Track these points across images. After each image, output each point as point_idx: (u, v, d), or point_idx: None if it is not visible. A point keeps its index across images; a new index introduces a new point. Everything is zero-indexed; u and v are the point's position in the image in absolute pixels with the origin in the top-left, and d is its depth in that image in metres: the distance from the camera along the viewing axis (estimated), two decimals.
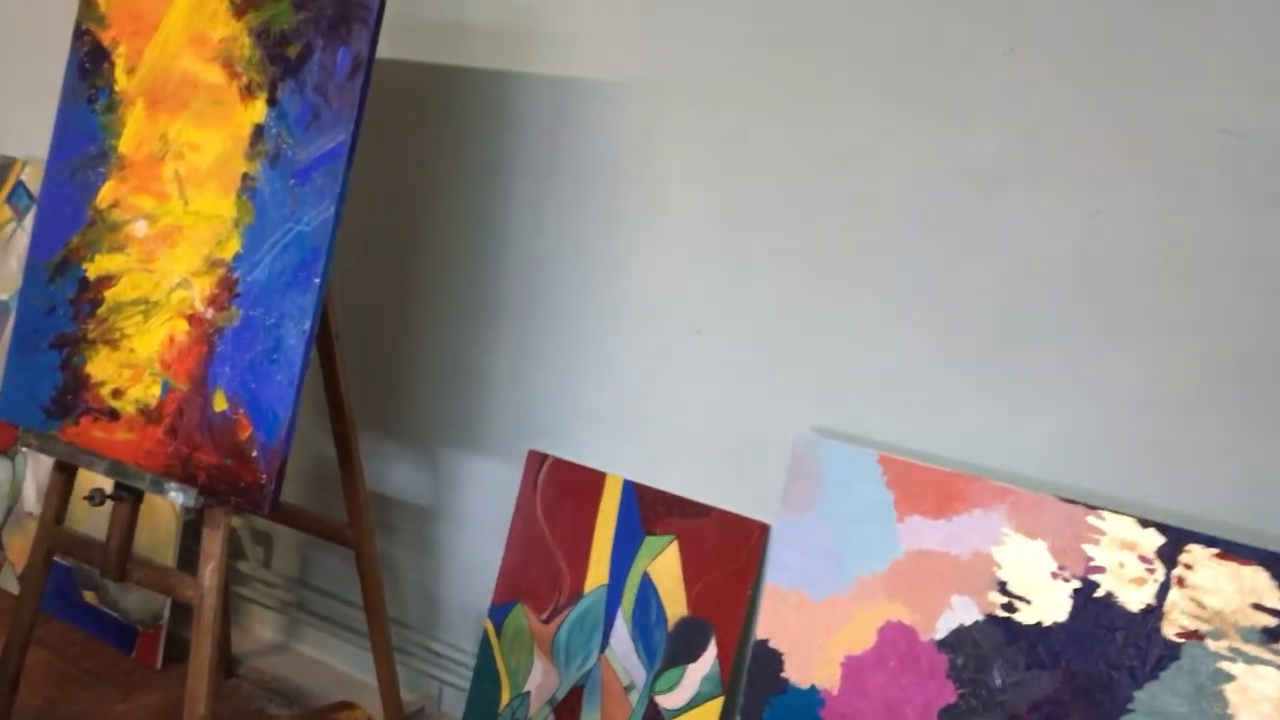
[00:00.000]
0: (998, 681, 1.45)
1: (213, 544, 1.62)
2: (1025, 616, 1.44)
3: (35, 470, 2.42)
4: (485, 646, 1.96)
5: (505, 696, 1.93)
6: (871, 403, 1.65)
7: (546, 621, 1.91)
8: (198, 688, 1.61)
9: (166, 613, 2.21)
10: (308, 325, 1.56)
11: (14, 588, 2.37)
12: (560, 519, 1.92)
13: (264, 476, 1.57)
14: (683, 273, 1.80)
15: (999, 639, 1.46)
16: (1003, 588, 1.46)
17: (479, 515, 2.05)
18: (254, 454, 1.57)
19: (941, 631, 1.51)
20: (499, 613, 1.95)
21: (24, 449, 1.93)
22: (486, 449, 2.02)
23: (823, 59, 1.63)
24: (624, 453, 1.89)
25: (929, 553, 1.52)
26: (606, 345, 1.88)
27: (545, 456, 1.94)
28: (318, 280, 1.56)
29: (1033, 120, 1.47)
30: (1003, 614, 1.46)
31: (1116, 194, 1.42)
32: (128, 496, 1.71)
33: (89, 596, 2.32)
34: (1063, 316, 1.48)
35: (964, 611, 1.49)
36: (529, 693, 1.91)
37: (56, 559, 2.17)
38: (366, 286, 2.12)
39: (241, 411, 1.59)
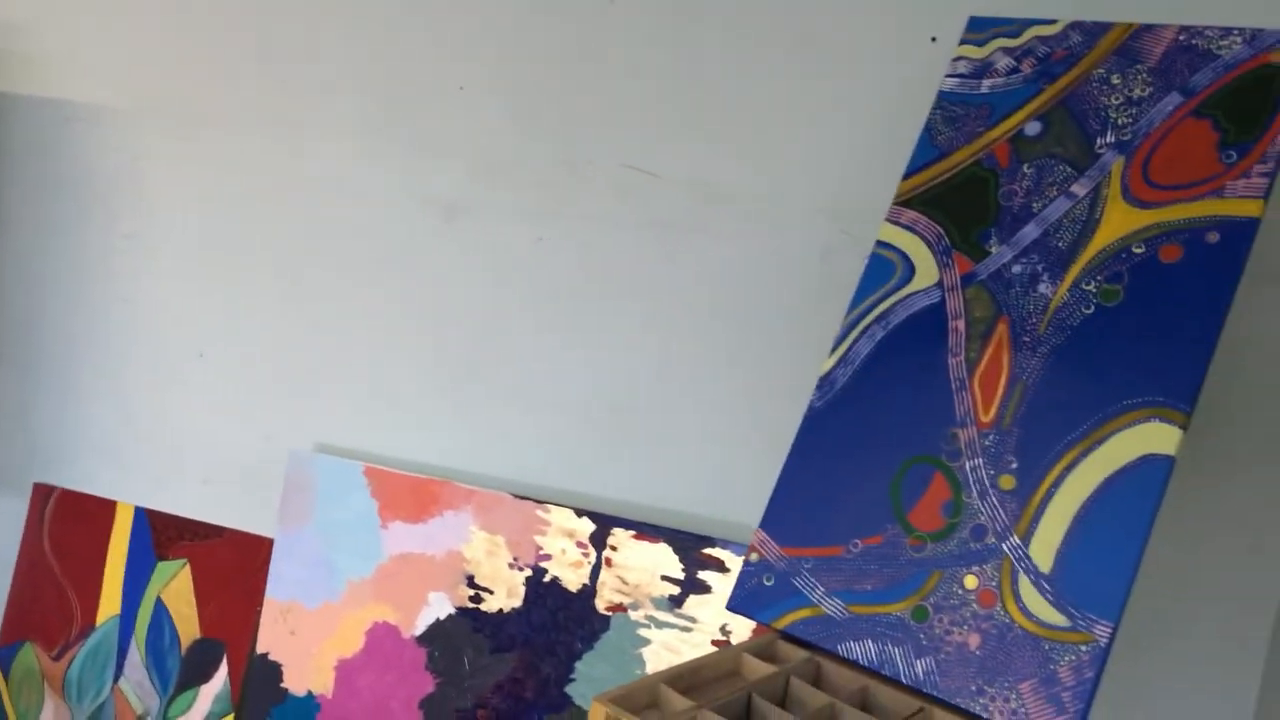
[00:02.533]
0: (467, 667, 1.59)
1: None
2: (490, 605, 1.59)
3: None
4: None
5: None
6: (369, 418, 1.74)
7: (57, 658, 1.85)
8: None
9: None
10: None
11: None
12: (70, 552, 1.86)
13: None
14: (182, 296, 1.81)
15: (468, 628, 1.59)
16: (470, 581, 1.60)
17: None
18: None
19: (420, 627, 1.62)
20: (6, 655, 1.87)
21: None
22: None
23: (303, 90, 1.70)
24: (135, 479, 1.87)
25: (409, 555, 1.63)
26: (112, 371, 1.86)
27: (53, 488, 1.88)
28: None
29: (484, 155, 1.62)
30: (471, 605, 1.60)
31: (554, 223, 1.59)
32: None
33: None
34: (519, 333, 1.63)
35: (439, 607, 1.61)
36: None
37: None
38: None
39: None
